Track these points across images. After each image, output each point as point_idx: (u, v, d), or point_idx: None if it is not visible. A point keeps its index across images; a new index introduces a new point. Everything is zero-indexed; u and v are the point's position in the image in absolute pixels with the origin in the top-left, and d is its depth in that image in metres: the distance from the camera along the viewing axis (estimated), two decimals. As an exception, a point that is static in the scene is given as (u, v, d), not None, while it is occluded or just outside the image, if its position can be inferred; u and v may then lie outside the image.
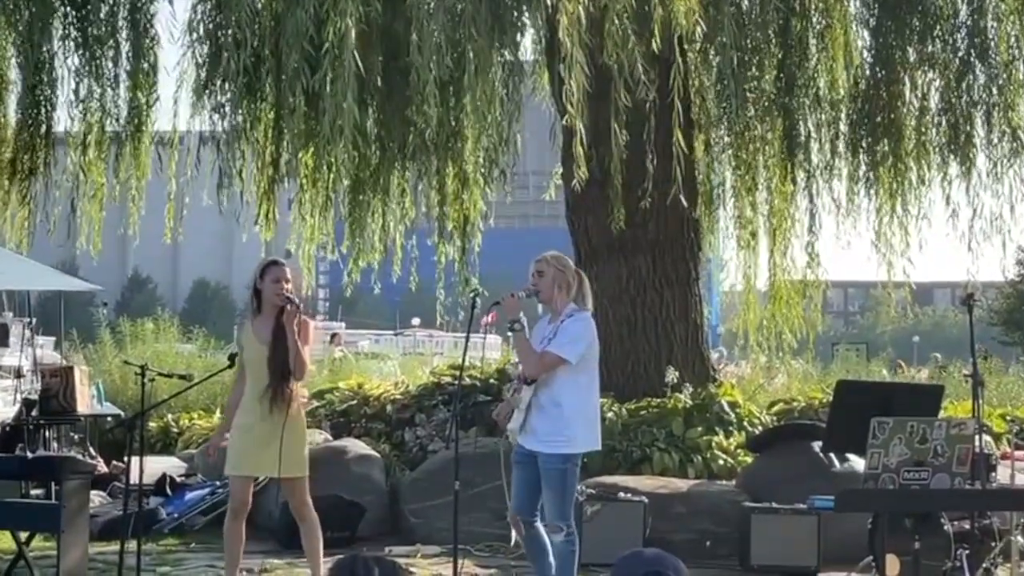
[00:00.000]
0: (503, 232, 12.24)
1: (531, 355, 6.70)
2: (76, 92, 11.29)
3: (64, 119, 11.54)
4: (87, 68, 11.25)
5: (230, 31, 9.43)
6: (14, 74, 11.86)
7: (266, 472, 7.45)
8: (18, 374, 12.36)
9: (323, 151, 9.63)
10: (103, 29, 11.16)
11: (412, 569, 8.06)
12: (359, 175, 11.08)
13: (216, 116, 10.25)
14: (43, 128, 11.66)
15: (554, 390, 6.67)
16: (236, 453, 7.18)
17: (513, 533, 7.10)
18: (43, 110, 11.62)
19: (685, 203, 9.70)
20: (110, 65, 11.25)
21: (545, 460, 6.65)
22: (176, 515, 9.86)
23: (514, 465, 6.86)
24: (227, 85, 9.83)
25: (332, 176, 11.19)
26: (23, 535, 7.87)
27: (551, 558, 6.80)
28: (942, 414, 8.52)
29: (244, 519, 7.27)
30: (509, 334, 6.82)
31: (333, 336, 25.48)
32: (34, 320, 15.35)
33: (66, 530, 7.26)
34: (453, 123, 8.78)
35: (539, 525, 6.85)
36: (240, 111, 10.49)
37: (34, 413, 11.53)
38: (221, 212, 10.43)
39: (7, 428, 11.42)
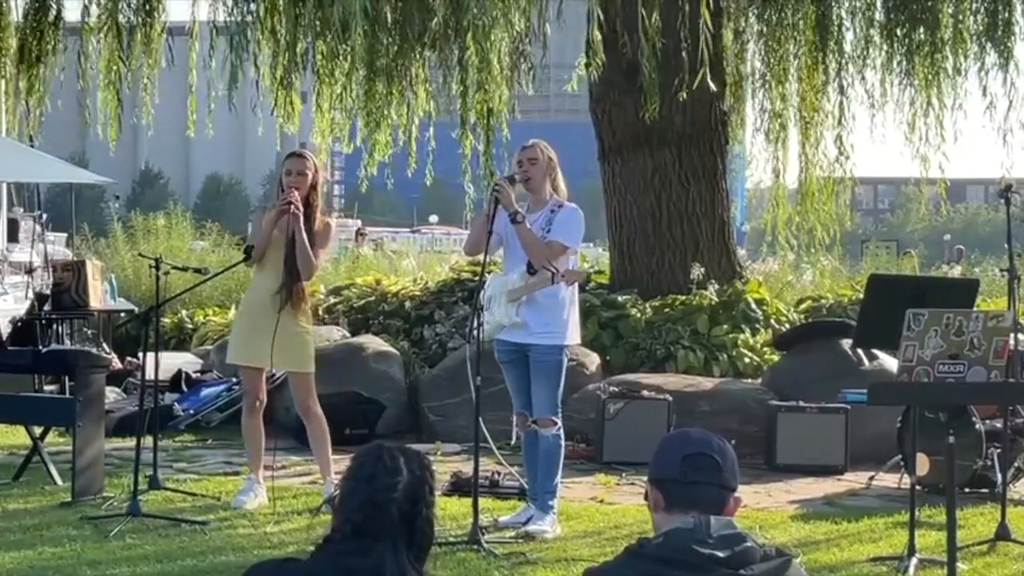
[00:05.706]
0: (523, 125, 11.87)
1: (539, 244, 6.50)
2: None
3: (73, 5, 11.20)
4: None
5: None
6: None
7: (267, 364, 7.31)
8: (29, 269, 12.21)
9: (336, 39, 9.30)
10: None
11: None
12: (375, 64, 10.74)
13: (230, 3, 9.92)
14: (52, 14, 11.31)
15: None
16: (241, 342, 7.07)
17: (515, 431, 7.01)
18: None
19: (713, 87, 9.37)
20: None
21: (542, 352, 6.54)
22: (192, 411, 9.77)
23: (503, 365, 6.74)
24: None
25: (348, 66, 10.85)
26: (37, 430, 7.76)
27: None
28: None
29: (260, 414, 7.16)
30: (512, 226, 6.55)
31: (359, 233, 25.18)
32: (44, 215, 15.17)
33: (82, 425, 7.13)
34: (475, 10, 8.42)
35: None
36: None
37: (46, 308, 11.38)
38: (231, 109, 10.11)
39: (19, 323, 11.28)
